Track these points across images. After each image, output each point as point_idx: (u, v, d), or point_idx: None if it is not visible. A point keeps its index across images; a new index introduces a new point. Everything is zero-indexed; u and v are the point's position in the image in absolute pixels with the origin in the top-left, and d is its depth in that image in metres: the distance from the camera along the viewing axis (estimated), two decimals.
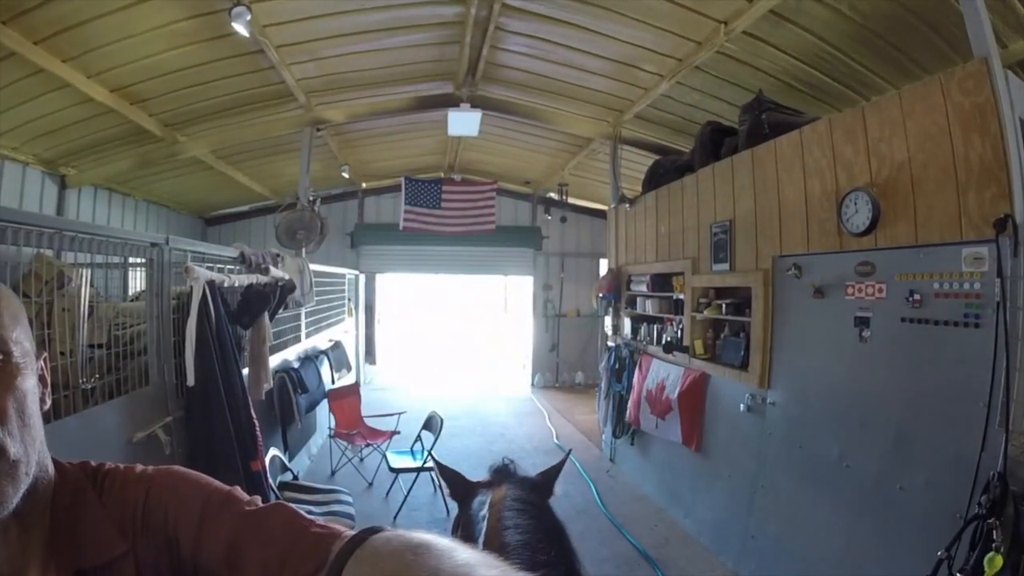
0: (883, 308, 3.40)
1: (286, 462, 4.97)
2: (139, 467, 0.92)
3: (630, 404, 6.39)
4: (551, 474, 2.07)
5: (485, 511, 1.72)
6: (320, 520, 0.85)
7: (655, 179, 6.64)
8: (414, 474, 5.80)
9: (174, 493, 0.88)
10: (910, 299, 3.19)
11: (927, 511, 3.02)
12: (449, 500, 5.62)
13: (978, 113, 2.89)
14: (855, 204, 3.55)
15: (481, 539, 1.59)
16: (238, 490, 0.91)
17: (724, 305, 5.05)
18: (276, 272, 4.87)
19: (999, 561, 2.35)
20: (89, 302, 3.34)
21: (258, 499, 0.90)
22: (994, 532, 2.44)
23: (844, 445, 3.63)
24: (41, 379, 0.85)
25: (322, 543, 0.78)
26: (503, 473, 2.01)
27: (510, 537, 1.52)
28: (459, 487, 2.07)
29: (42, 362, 0.87)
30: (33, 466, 0.77)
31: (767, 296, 4.42)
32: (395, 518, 5.60)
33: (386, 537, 0.71)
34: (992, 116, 2.82)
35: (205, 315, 3.45)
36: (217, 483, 0.91)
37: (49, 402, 0.87)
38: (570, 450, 2.11)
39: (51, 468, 0.85)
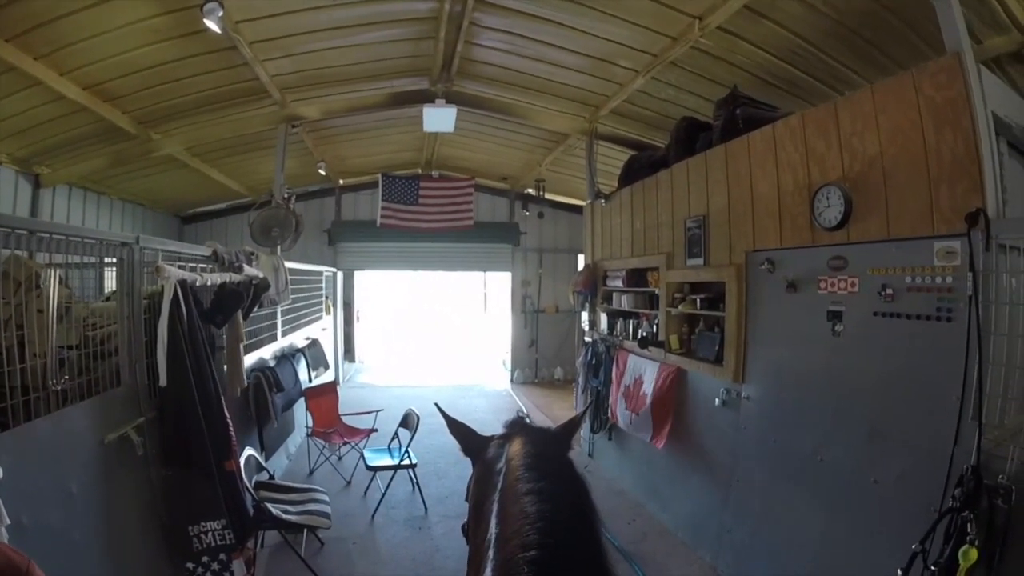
0: (856, 302, 3.41)
1: (262, 462, 4.91)
2: None
3: (610, 400, 6.40)
4: (570, 427, 1.91)
5: (502, 464, 1.63)
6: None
7: (631, 174, 6.63)
8: (391, 472, 5.75)
9: None
10: (883, 293, 3.20)
11: (901, 504, 3.04)
12: (423, 492, 5.68)
13: (950, 107, 2.91)
14: (827, 198, 3.56)
15: (497, 496, 1.50)
16: None
17: (699, 300, 5.05)
18: (250, 270, 4.78)
19: (973, 554, 2.37)
20: (65, 303, 3.25)
21: None
22: (968, 525, 2.46)
23: (818, 439, 3.65)
24: None
25: None
26: (518, 426, 1.87)
27: (529, 506, 1.38)
28: (472, 442, 1.95)
29: None
30: None
31: (741, 291, 4.43)
32: (373, 516, 5.56)
33: None
34: (964, 110, 2.84)
35: (177, 315, 3.37)
36: None
37: None
38: (589, 403, 1.85)
39: None
